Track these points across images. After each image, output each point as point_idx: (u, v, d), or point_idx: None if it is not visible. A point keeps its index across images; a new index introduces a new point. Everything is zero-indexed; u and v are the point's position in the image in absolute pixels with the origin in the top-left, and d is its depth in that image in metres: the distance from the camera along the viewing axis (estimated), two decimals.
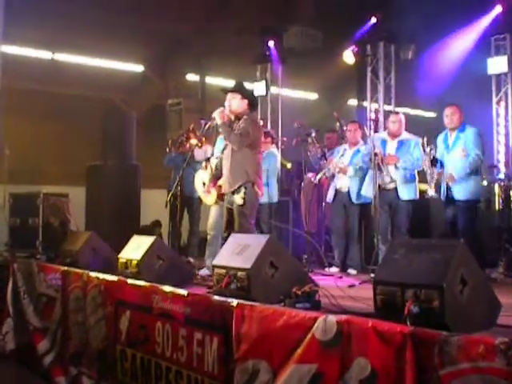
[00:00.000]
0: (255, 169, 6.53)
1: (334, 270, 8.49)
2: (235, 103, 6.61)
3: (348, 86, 15.00)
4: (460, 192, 7.35)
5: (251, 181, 6.42)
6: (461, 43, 11.64)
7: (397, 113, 8.71)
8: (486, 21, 11.28)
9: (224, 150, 6.76)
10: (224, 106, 6.61)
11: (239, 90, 6.70)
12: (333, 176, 8.71)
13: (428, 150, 7.43)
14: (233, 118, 6.61)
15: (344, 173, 8.48)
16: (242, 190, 6.37)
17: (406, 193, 7.85)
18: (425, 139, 7.44)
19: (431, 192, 7.40)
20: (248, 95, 6.75)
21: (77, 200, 9.76)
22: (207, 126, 6.76)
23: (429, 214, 9.24)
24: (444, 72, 11.86)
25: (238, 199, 6.34)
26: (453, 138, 7.49)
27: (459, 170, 7.35)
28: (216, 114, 6.51)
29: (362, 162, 8.26)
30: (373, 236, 8.02)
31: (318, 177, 8.80)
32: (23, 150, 11.18)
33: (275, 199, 9.10)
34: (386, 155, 7.89)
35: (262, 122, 12.88)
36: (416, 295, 3.56)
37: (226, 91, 6.73)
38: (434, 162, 7.31)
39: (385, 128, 8.28)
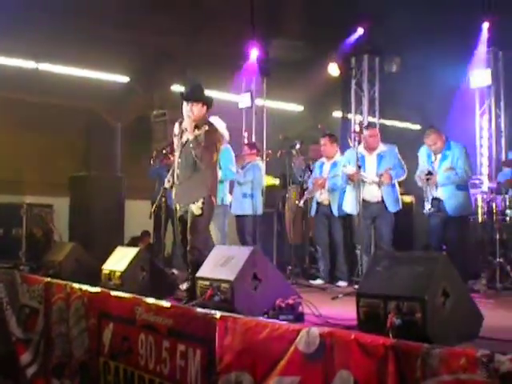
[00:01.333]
0: (214, 181, 6.32)
1: (318, 282, 8.49)
2: (197, 111, 6.24)
3: (333, 98, 15.04)
4: (452, 208, 7.40)
5: (208, 194, 6.16)
6: (445, 56, 11.71)
7: (374, 126, 8.77)
8: (469, 33, 11.35)
9: (179, 157, 6.32)
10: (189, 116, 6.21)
11: (201, 97, 6.33)
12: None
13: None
14: (192, 125, 6.20)
15: (323, 187, 8.52)
16: (200, 200, 6.09)
17: (391, 205, 7.87)
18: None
19: (428, 206, 7.46)
20: (207, 101, 6.38)
21: (60, 211, 9.72)
22: (183, 140, 6.24)
23: (412, 225, 9.28)
24: (428, 85, 11.93)
25: (196, 209, 6.08)
26: (438, 158, 7.52)
27: (448, 186, 7.41)
28: (187, 125, 6.16)
29: (341, 179, 8.29)
30: (355, 248, 8.06)
31: (302, 201, 8.82)
32: (6, 160, 11.15)
33: (260, 211, 9.11)
34: (380, 174, 7.90)
35: (246, 134, 12.98)
36: (398, 307, 3.58)
37: (187, 99, 6.28)
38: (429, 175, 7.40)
39: (359, 142, 8.28)
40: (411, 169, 7.93)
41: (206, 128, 6.17)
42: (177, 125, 6.44)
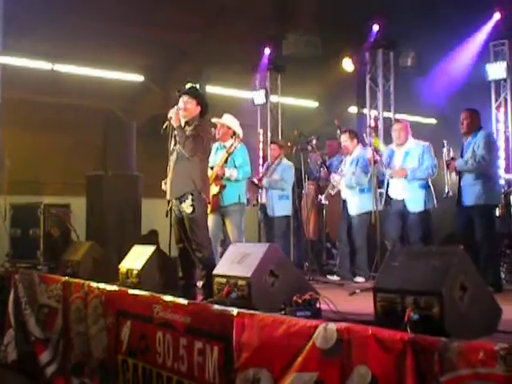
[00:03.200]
0: (202, 177, 6.25)
1: (335, 277, 8.47)
2: (190, 107, 6.28)
3: (348, 94, 14.98)
4: (467, 197, 7.34)
5: (197, 189, 6.13)
6: (460, 49, 11.65)
7: (398, 120, 8.69)
8: (485, 27, 11.28)
9: (171, 154, 6.35)
10: (177, 107, 6.24)
11: (196, 95, 6.41)
12: (339, 191, 8.74)
13: (445, 151, 7.44)
14: (183, 122, 6.27)
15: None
16: (190, 197, 6.07)
17: (417, 204, 7.77)
18: (445, 142, 7.45)
19: (447, 189, 7.39)
20: (203, 102, 6.43)
21: (78, 210, 9.76)
22: (164, 125, 6.25)
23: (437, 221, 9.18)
24: (444, 78, 11.87)
25: (187, 207, 6.07)
26: (466, 144, 7.46)
27: (466, 174, 7.36)
28: (172, 114, 6.16)
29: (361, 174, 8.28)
30: (381, 243, 7.99)
31: (324, 196, 8.77)
32: (24, 161, 11.20)
33: (291, 211, 9.14)
34: (394, 168, 7.86)
35: (261, 131, 12.97)
36: (416, 302, 3.57)
37: (182, 93, 6.37)
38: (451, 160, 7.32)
39: (384, 136, 8.24)
40: None
41: (196, 123, 6.23)
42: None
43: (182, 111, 6.22)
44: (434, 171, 7.73)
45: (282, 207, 9.08)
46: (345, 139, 8.67)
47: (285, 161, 9.19)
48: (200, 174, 6.22)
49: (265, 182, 9.11)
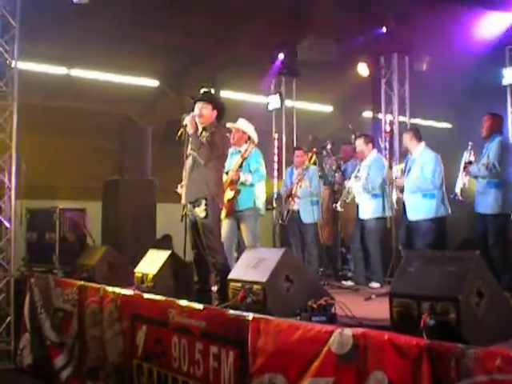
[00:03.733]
0: (216, 182, 6.27)
1: (350, 282, 8.46)
2: (206, 113, 6.31)
3: (363, 98, 14.94)
4: (480, 204, 7.32)
5: (211, 194, 6.15)
6: (475, 53, 11.58)
7: (408, 129, 8.71)
8: (500, 30, 11.21)
9: (187, 159, 6.39)
10: (193, 114, 6.27)
11: (211, 99, 6.44)
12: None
13: (466, 153, 7.42)
14: (200, 128, 6.31)
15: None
16: (203, 202, 6.11)
17: (423, 212, 7.77)
18: (470, 144, 7.41)
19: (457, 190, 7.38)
20: (218, 106, 6.45)
21: (93, 215, 9.79)
22: (179, 132, 6.33)
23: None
24: (459, 83, 11.82)
25: (200, 212, 6.10)
26: (484, 149, 7.43)
27: (480, 181, 7.34)
28: (188, 122, 6.21)
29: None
30: (395, 248, 7.98)
31: (339, 204, 8.73)
32: (40, 165, 11.23)
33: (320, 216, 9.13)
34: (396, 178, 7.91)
35: (276, 136, 12.97)
36: (432, 308, 3.55)
37: (196, 100, 6.42)
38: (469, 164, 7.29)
39: (400, 141, 8.24)
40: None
41: (213, 129, 6.24)
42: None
43: (199, 118, 6.26)
44: (432, 183, 7.72)
45: (313, 214, 9.04)
46: (360, 144, 8.66)
47: (311, 167, 9.11)
48: (215, 179, 6.25)
49: (299, 192, 9.04)
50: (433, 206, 7.73)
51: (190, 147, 6.29)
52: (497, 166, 7.14)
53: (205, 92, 6.64)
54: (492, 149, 7.25)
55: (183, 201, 6.38)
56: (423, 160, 7.83)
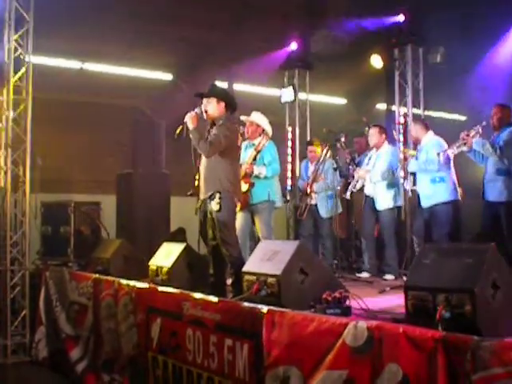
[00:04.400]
0: (229, 176, 6.25)
1: (365, 275, 8.44)
2: (211, 108, 6.30)
3: (376, 90, 14.89)
4: (490, 192, 7.30)
5: (225, 188, 6.17)
6: (492, 44, 11.51)
7: (415, 119, 8.70)
8: None
9: (200, 155, 6.42)
10: (195, 111, 6.28)
11: (213, 93, 6.40)
12: (352, 158, 8.93)
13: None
14: (210, 123, 6.35)
15: (363, 177, 8.51)
16: (217, 195, 6.12)
17: (431, 198, 7.76)
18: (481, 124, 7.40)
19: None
20: (224, 97, 6.43)
21: (107, 208, 9.82)
22: (178, 130, 6.33)
23: (460, 218, 9.12)
24: (475, 74, 11.75)
25: (214, 205, 6.12)
26: (494, 139, 7.41)
27: (489, 169, 7.33)
28: (188, 119, 6.22)
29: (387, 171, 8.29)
30: (409, 240, 7.96)
31: (348, 193, 8.75)
32: (54, 159, 11.27)
33: (340, 209, 9.11)
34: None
35: (290, 129, 12.94)
36: (447, 300, 3.54)
37: (200, 96, 6.43)
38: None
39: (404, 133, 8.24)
40: (460, 160, 7.82)
41: (220, 123, 6.24)
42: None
43: (205, 114, 6.30)
44: (433, 167, 7.73)
45: (330, 207, 9.06)
46: (374, 133, 8.63)
47: (327, 161, 9.10)
48: (228, 173, 6.26)
49: (316, 187, 9.05)
50: (444, 190, 7.74)
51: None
52: (504, 150, 7.11)
53: (210, 87, 6.60)
54: (502, 137, 7.24)
55: (200, 196, 6.39)
56: (428, 145, 7.84)
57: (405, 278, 7.52)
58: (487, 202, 7.41)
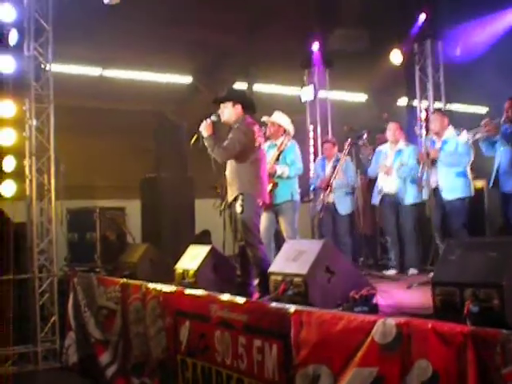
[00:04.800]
0: (249, 178, 6.30)
1: (391, 272, 8.41)
2: (226, 112, 6.39)
3: (397, 86, 14.83)
4: (504, 184, 7.30)
5: (246, 190, 6.23)
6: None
7: (434, 111, 8.62)
8: None
9: None
10: (211, 119, 6.40)
11: (228, 97, 6.44)
12: (375, 177, 8.75)
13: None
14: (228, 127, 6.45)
15: (388, 174, 8.46)
16: (240, 197, 6.20)
17: (456, 191, 7.70)
18: None
19: None
20: (240, 99, 6.48)
21: (132, 213, 9.88)
22: (193, 139, 6.49)
23: (483, 210, 9.07)
24: (494, 66, 11.66)
25: (237, 207, 6.20)
26: (506, 132, 7.37)
27: (502, 161, 7.33)
28: (202, 127, 6.36)
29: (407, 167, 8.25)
30: (430, 235, 7.92)
31: (378, 199, 8.67)
32: (78, 166, 11.35)
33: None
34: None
35: (311, 127, 12.93)
36: (475, 294, 3.53)
37: (216, 101, 6.51)
38: None
39: (427, 129, 8.17)
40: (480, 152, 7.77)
41: (236, 126, 6.29)
42: None
43: (223, 120, 6.41)
44: (465, 161, 7.67)
45: (348, 204, 9.06)
46: (393, 128, 8.59)
47: (346, 158, 9.07)
48: (249, 174, 6.32)
49: (335, 184, 9.02)
50: (467, 185, 7.70)
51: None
52: None
53: (225, 92, 6.63)
54: None
55: (228, 198, 6.52)
56: (454, 138, 7.75)
57: (431, 274, 7.57)
58: (503, 194, 7.40)
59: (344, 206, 9.03)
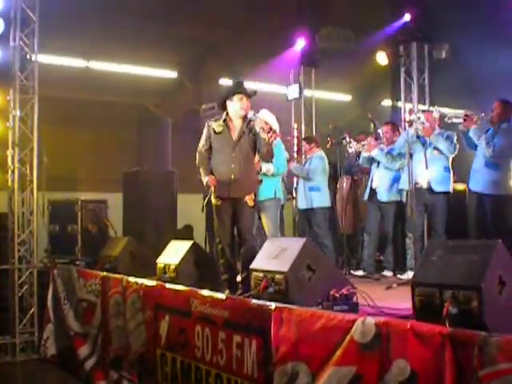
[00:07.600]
0: (255, 174, 6.49)
1: (360, 273, 8.45)
2: (247, 106, 6.21)
3: (382, 87, 14.91)
4: (475, 183, 7.41)
5: (257, 186, 6.35)
6: (496, 39, 11.47)
7: (424, 111, 8.65)
8: None
9: (232, 152, 6.15)
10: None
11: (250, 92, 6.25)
12: (358, 154, 8.79)
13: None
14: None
15: (369, 150, 8.42)
16: (253, 192, 6.18)
17: (441, 186, 7.70)
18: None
19: None
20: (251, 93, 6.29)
21: (114, 206, 9.85)
22: (204, 201, 6.37)
23: (466, 214, 9.10)
24: (479, 70, 11.72)
25: (250, 201, 6.08)
26: (489, 133, 7.41)
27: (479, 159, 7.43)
28: (238, 120, 6.19)
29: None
30: (405, 236, 7.95)
31: (366, 196, 8.67)
32: (60, 157, 11.31)
33: (328, 203, 9.09)
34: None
35: (295, 126, 12.96)
36: (454, 296, 3.55)
37: (249, 95, 6.21)
38: None
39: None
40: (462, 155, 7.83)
41: (252, 121, 6.22)
42: (218, 123, 6.26)
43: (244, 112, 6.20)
44: (452, 151, 7.68)
45: (317, 199, 9.03)
46: (386, 130, 8.59)
47: (316, 153, 9.09)
48: (255, 171, 6.53)
49: (292, 167, 9.02)
50: (450, 180, 7.74)
51: (230, 142, 6.20)
52: (496, 148, 7.18)
53: (238, 85, 6.34)
54: (499, 133, 7.27)
55: (229, 194, 6.23)
56: (444, 133, 7.75)
57: (401, 276, 7.63)
58: (474, 193, 7.49)
59: (304, 202, 9.06)
